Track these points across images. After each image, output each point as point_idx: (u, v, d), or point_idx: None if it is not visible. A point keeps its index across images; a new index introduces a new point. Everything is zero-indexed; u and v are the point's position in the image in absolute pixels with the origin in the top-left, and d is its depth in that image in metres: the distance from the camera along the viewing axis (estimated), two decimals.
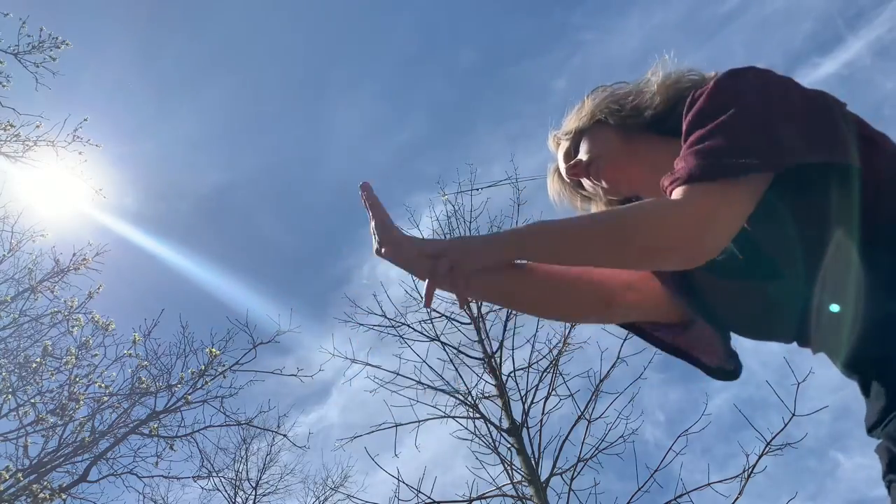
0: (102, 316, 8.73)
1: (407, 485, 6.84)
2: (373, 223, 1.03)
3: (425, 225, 8.65)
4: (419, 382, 7.57)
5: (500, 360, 7.65)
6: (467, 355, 7.73)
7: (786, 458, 6.37)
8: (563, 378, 7.34)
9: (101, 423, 8.72)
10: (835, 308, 0.95)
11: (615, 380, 7.39)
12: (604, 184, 1.20)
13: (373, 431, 7.48)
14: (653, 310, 1.17)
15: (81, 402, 8.17)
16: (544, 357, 7.50)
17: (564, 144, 1.28)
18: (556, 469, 6.90)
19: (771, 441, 6.30)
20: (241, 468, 11.36)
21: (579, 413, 7.09)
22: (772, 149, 0.91)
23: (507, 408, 7.30)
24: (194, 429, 9.21)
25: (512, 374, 7.56)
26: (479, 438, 7.22)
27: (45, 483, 7.83)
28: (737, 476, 6.39)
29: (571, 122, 1.26)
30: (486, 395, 7.48)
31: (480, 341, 7.76)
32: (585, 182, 1.24)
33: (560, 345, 7.54)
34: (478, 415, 7.36)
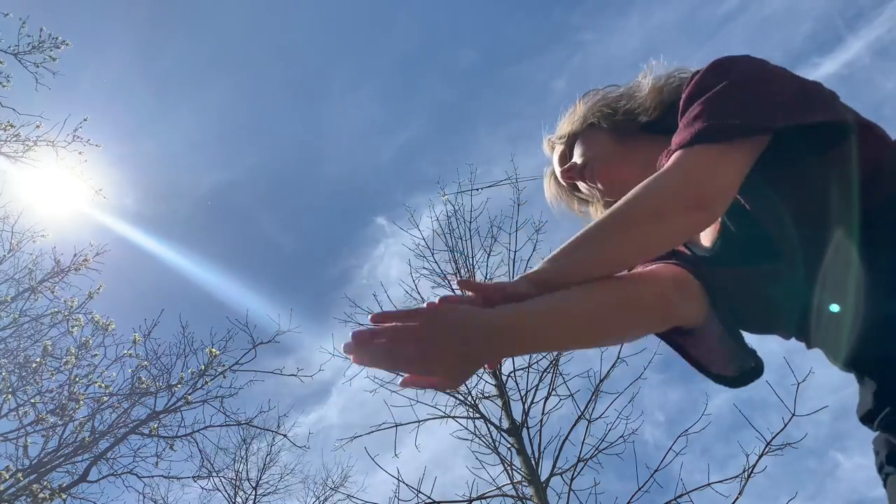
0: (102, 316, 8.75)
1: (407, 485, 6.84)
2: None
3: (425, 225, 8.66)
4: None
5: None
6: None
7: (786, 458, 6.37)
8: (563, 378, 7.34)
9: (101, 423, 8.74)
10: (835, 308, 0.95)
11: (615, 380, 7.39)
12: (599, 185, 1.21)
13: (373, 431, 7.48)
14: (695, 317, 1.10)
15: (81, 402, 8.18)
16: (544, 357, 7.50)
17: (559, 148, 1.29)
18: (556, 469, 6.90)
19: (771, 441, 6.30)
20: (241, 468, 11.37)
21: (579, 413, 7.09)
22: (764, 110, 0.93)
23: (507, 408, 7.30)
24: (194, 429, 9.23)
25: (512, 374, 7.56)
26: (479, 438, 7.22)
27: (45, 483, 7.83)
28: (737, 476, 6.39)
29: (565, 126, 1.28)
30: (486, 395, 7.48)
31: None
32: (581, 185, 1.25)
33: None
34: (478, 415, 7.36)
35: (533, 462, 6.93)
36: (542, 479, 6.81)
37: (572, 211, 1.33)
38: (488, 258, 8.15)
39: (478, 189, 8.32)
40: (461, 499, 6.91)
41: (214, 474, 10.38)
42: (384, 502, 7.26)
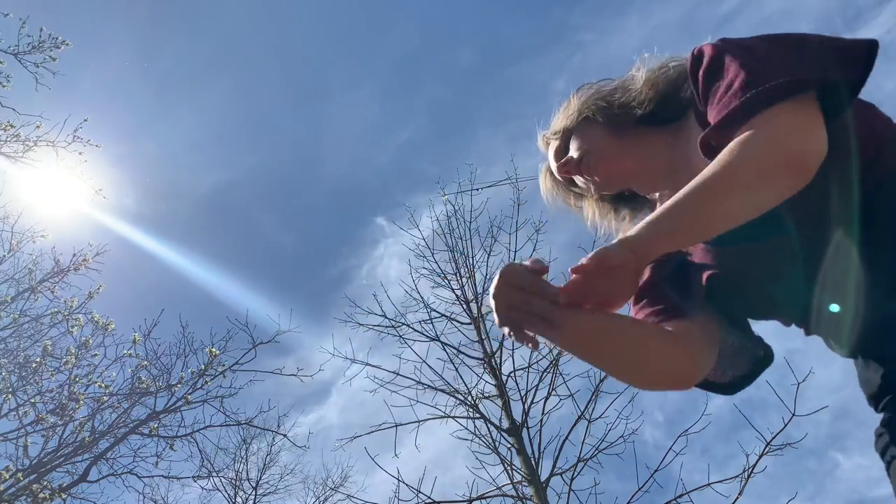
0: (102, 316, 8.75)
1: (407, 485, 6.84)
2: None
3: (425, 225, 8.66)
4: (419, 382, 7.57)
5: (500, 360, 7.65)
6: (467, 355, 7.73)
7: (786, 458, 6.37)
8: (563, 378, 7.33)
9: (101, 423, 8.73)
10: (835, 308, 0.95)
11: (615, 380, 7.38)
12: (596, 179, 1.21)
13: (373, 431, 7.48)
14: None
15: (81, 402, 8.17)
16: (544, 357, 7.50)
17: (554, 143, 1.29)
18: (556, 469, 6.90)
19: (771, 441, 6.30)
20: (241, 468, 11.36)
21: (579, 413, 7.10)
22: (814, 64, 0.91)
23: (507, 408, 7.30)
24: (194, 429, 9.22)
25: (512, 374, 7.56)
26: (479, 438, 7.22)
27: (45, 483, 7.83)
28: (737, 476, 6.39)
29: (559, 121, 1.27)
30: (486, 395, 7.48)
31: (480, 341, 7.75)
32: (578, 179, 1.25)
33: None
34: (478, 415, 7.36)
35: (533, 462, 6.93)
36: (542, 479, 6.81)
37: (568, 206, 1.33)
38: (488, 258, 8.16)
39: (478, 189, 8.32)
40: (461, 499, 6.91)
41: (214, 474, 10.38)
42: (384, 502, 7.28)
